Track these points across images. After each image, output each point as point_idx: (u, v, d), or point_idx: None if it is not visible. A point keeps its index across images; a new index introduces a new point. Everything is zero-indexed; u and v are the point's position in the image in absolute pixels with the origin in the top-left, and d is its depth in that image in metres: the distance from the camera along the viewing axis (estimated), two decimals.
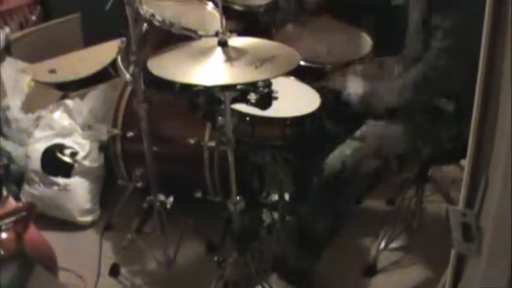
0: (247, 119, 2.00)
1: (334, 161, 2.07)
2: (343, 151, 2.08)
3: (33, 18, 3.68)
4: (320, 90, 2.17)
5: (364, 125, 2.14)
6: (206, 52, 1.80)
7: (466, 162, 1.16)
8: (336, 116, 2.23)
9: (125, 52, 2.29)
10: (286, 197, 2.45)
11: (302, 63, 2.13)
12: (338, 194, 2.09)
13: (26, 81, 3.16)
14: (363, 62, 2.34)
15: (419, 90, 2.04)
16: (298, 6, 2.59)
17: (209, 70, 1.75)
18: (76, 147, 2.82)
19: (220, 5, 1.88)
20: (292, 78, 2.23)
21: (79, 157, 2.80)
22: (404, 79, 2.09)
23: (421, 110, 2.13)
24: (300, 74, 2.15)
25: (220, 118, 1.91)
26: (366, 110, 2.14)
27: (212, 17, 2.26)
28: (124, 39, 2.33)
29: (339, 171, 2.05)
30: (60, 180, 2.79)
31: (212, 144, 2.18)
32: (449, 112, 2.12)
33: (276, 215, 2.44)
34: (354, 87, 2.16)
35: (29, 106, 3.08)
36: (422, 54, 2.06)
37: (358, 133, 2.12)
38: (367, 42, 2.46)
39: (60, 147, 2.83)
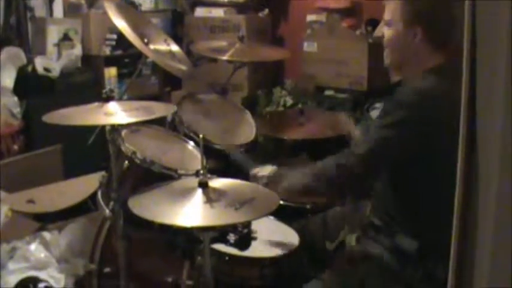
0: (226, 258, 2.00)
1: None
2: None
3: (15, 147, 3.71)
4: (300, 231, 2.19)
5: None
6: (186, 193, 1.82)
7: None
8: (314, 257, 2.23)
9: (105, 188, 2.31)
10: None
11: (281, 202, 2.15)
12: None
13: (4, 210, 3.14)
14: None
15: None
16: (277, 147, 2.67)
17: (189, 211, 1.76)
18: (51, 281, 2.75)
19: (201, 145, 1.92)
20: (271, 217, 2.25)
21: None
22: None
23: (383, 250, 2.09)
24: (280, 212, 2.17)
25: (199, 257, 1.91)
26: None
27: (192, 156, 2.30)
28: (104, 173, 2.36)
29: None
30: None
31: (190, 283, 2.16)
32: (412, 252, 2.04)
33: None
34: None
35: (4, 236, 3.04)
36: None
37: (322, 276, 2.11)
38: None
39: (34, 281, 2.76)
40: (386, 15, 2.10)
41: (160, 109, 2.22)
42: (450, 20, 2.00)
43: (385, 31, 2.11)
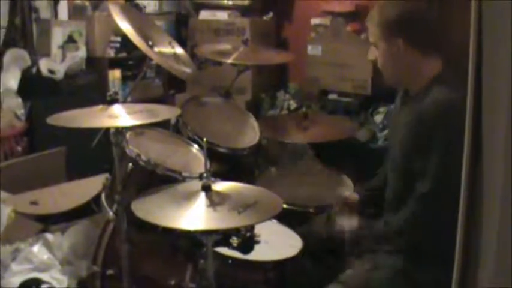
0: (229, 262, 2.00)
1: None
2: None
3: (19, 149, 3.71)
4: (303, 235, 2.19)
5: (348, 269, 2.13)
6: (190, 196, 1.82)
7: None
8: (318, 259, 2.23)
9: (109, 190, 2.31)
10: None
11: (284, 206, 2.15)
12: None
13: (7, 212, 3.14)
14: None
15: (402, 235, 2.05)
16: (281, 150, 2.66)
17: (192, 214, 1.76)
18: (54, 283, 2.75)
19: (205, 148, 1.92)
20: (274, 221, 2.25)
21: None
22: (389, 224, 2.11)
23: (398, 251, 2.09)
24: (283, 216, 2.17)
25: (202, 261, 1.90)
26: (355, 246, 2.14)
27: (197, 159, 2.31)
28: (108, 175, 2.36)
29: None
30: None
31: (193, 286, 2.16)
32: (425, 254, 2.04)
33: None
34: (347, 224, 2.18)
35: (7, 237, 3.04)
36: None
37: (342, 277, 2.11)
38: (348, 185, 2.52)
39: (37, 282, 2.77)
40: (370, 38, 2.15)
41: (164, 112, 2.22)
42: (427, 24, 2.04)
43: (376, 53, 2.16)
